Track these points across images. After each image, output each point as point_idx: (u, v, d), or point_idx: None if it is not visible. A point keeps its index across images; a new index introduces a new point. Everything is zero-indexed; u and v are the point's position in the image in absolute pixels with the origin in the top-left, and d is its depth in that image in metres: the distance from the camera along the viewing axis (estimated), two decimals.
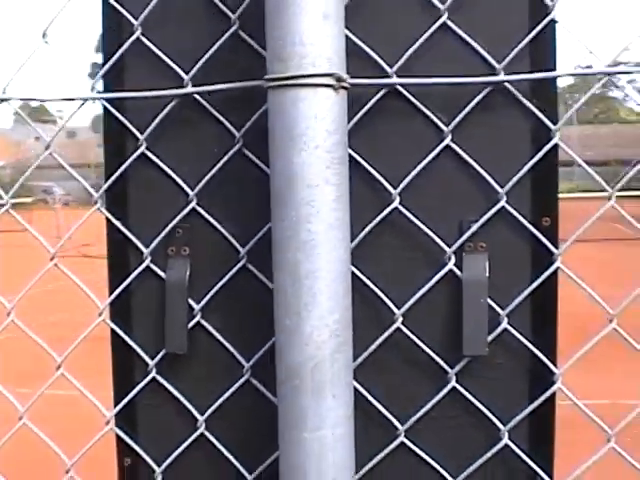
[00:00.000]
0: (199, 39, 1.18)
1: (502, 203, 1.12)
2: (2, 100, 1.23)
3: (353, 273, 1.08)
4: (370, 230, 1.14)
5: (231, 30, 1.16)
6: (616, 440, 1.13)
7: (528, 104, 1.11)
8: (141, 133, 1.20)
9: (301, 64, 0.97)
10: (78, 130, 52.37)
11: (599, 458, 1.10)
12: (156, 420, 1.25)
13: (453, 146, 1.13)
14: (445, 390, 1.15)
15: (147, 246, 1.21)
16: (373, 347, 1.15)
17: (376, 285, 1.16)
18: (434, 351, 1.15)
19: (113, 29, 1.22)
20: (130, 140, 1.21)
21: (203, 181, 1.18)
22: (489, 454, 1.15)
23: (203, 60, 1.16)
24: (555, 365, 1.13)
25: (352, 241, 1.09)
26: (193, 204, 1.19)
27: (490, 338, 1.13)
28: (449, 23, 1.12)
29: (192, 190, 1.19)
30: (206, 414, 1.21)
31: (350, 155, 1.06)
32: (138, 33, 1.19)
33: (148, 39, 1.19)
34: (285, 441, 1.01)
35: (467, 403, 1.15)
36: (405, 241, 1.15)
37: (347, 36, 1.04)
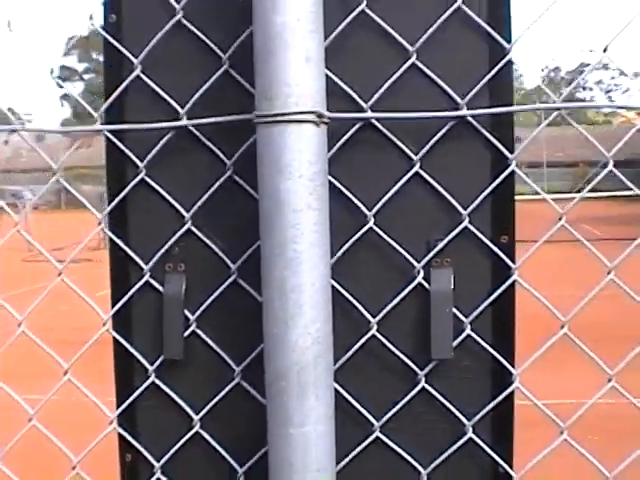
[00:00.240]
0: (194, 75, 1.30)
1: (465, 223, 1.25)
2: (13, 131, 1.34)
3: (333, 286, 1.21)
4: (348, 248, 1.26)
5: (222, 69, 1.28)
6: (569, 433, 1.27)
7: (488, 135, 1.24)
8: (140, 160, 1.31)
9: (286, 103, 1.09)
10: (47, 134, 51.90)
11: (552, 450, 1.24)
12: (155, 420, 1.35)
13: (422, 173, 1.25)
14: (416, 390, 1.27)
15: (147, 263, 1.32)
16: (351, 352, 1.27)
17: (354, 296, 1.28)
18: (406, 355, 1.27)
19: (114, 66, 1.33)
20: (130, 167, 1.32)
21: (197, 204, 1.30)
22: (455, 447, 1.28)
23: (197, 96, 1.28)
24: (513, 366, 1.27)
25: (332, 258, 1.21)
26: (188, 225, 1.30)
27: (455, 343, 1.26)
28: (417, 63, 1.25)
29: (187, 212, 1.31)
30: (200, 414, 1.32)
31: (330, 181, 1.19)
32: (138, 71, 1.30)
33: (147, 75, 1.31)
34: (273, 437, 1.12)
35: (436, 401, 1.28)
36: (379, 257, 1.28)
37: (327, 74, 1.17)
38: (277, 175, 1.10)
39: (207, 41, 1.29)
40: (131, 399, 1.35)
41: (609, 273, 1.26)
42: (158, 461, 1.34)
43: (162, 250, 1.32)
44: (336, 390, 1.21)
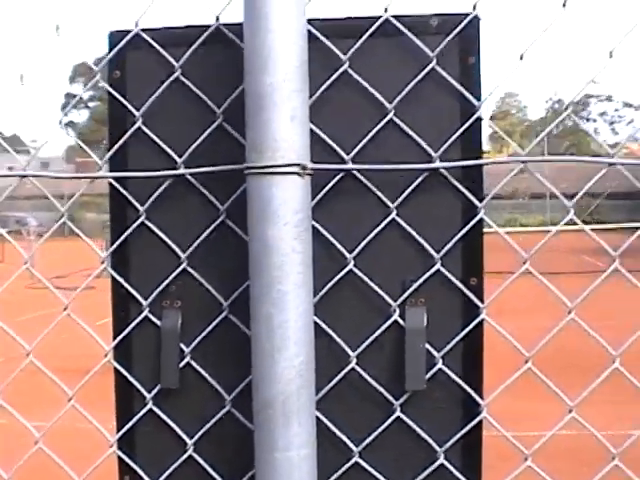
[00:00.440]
0: (190, 127, 1.42)
1: (437, 266, 1.36)
2: (23, 176, 1.46)
3: (316, 322, 1.32)
4: (330, 287, 1.38)
5: (216, 123, 1.40)
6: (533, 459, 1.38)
7: (458, 185, 1.36)
8: (141, 204, 1.43)
9: (274, 156, 1.21)
10: (51, 160, 51.80)
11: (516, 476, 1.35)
12: (152, 443, 1.45)
13: (398, 219, 1.37)
14: (391, 418, 1.38)
15: (146, 299, 1.43)
16: (332, 383, 1.38)
17: (335, 332, 1.38)
18: (382, 386, 1.38)
19: (118, 117, 1.45)
20: (132, 210, 1.44)
21: (193, 246, 1.41)
22: (427, 472, 1.38)
23: (193, 147, 1.40)
24: (482, 398, 1.37)
25: (315, 296, 1.32)
26: (184, 265, 1.42)
27: (428, 376, 1.36)
28: (395, 119, 1.37)
29: (184, 253, 1.42)
30: (194, 438, 1.42)
31: (314, 227, 1.30)
32: (139, 123, 1.43)
33: (147, 127, 1.43)
34: (260, 461, 1.23)
35: (410, 429, 1.39)
36: (359, 297, 1.39)
37: (311, 128, 1.29)
38: (265, 222, 1.21)
39: (202, 96, 1.41)
40: (130, 424, 1.45)
41: (569, 313, 1.36)
42: None
43: (160, 288, 1.43)
44: (318, 418, 1.31)
